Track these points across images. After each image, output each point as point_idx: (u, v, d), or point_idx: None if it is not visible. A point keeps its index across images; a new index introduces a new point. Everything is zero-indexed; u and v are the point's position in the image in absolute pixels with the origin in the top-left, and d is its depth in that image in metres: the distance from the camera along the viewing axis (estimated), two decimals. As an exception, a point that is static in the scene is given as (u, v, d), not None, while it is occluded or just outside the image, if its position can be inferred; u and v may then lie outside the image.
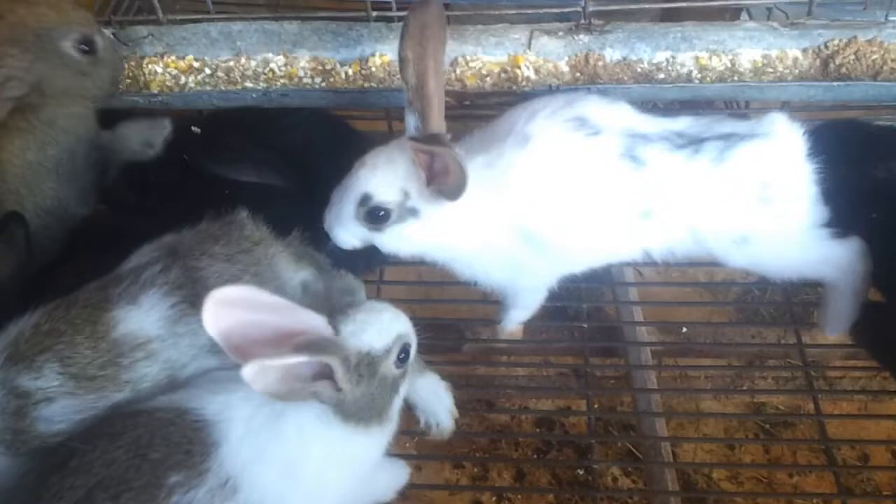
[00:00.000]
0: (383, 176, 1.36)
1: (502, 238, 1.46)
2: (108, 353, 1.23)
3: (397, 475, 1.42)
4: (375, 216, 1.37)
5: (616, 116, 1.46)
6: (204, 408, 1.17)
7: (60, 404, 1.21)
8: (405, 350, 1.20)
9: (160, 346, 1.24)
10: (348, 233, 1.40)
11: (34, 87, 1.49)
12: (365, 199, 1.36)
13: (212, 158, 1.57)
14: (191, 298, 1.24)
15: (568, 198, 1.43)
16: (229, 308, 1.07)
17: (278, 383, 1.05)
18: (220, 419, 1.16)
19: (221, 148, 1.59)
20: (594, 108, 1.46)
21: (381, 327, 1.17)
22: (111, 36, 1.67)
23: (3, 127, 1.49)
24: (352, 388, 1.12)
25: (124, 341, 1.23)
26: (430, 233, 1.41)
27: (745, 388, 2.17)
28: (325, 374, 1.09)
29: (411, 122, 1.36)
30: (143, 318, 1.24)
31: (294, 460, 1.16)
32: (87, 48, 1.54)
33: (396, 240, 1.41)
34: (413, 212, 1.38)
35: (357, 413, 1.15)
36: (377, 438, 1.21)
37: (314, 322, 1.12)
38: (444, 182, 1.31)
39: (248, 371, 1.01)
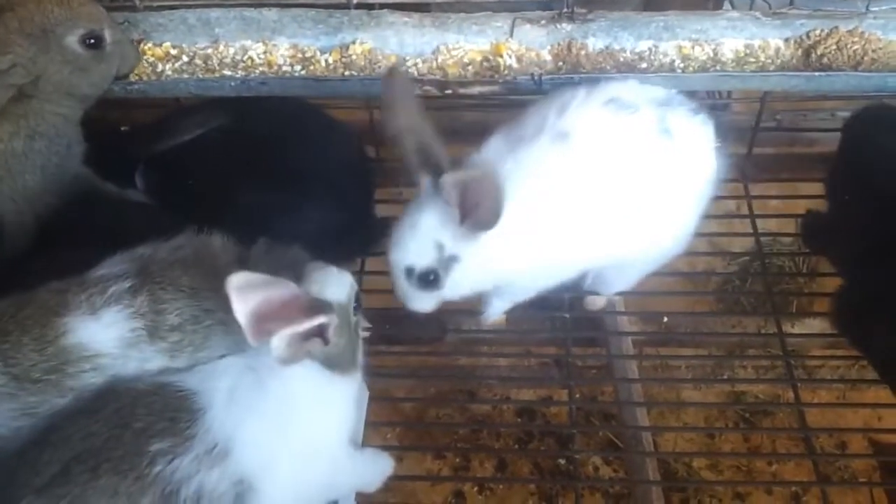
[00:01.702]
0: (412, 243, 1.38)
1: (550, 247, 1.47)
2: (54, 359, 1.19)
3: (382, 465, 1.44)
4: (426, 281, 1.40)
5: (641, 89, 1.51)
6: (184, 380, 1.20)
7: (2, 406, 1.18)
8: (358, 298, 1.30)
9: (109, 363, 1.21)
10: (420, 303, 1.43)
11: (34, 79, 1.51)
12: (410, 272, 1.39)
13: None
14: (149, 329, 1.23)
15: (621, 184, 1.45)
16: (245, 291, 1.13)
17: (288, 349, 1.13)
18: (202, 388, 1.19)
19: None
20: (621, 86, 1.50)
21: (338, 280, 1.26)
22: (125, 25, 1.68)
23: None
24: (336, 341, 1.21)
25: (73, 350, 1.20)
26: (474, 270, 1.43)
27: (725, 377, 2.18)
28: (315, 332, 1.17)
29: (424, 180, 1.38)
30: (99, 331, 1.21)
31: (284, 416, 1.20)
32: (93, 43, 1.54)
33: (456, 287, 1.44)
34: (453, 258, 1.39)
35: (338, 361, 1.24)
36: (353, 383, 1.31)
37: (299, 291, 1.18)
38: (479, 212, 1.32)
39: (278, 341, 1.10)
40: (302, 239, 1.46)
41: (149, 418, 1.14)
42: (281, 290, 1.15)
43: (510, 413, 2.14)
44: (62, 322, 1.20)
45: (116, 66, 1.61)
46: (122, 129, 1.85)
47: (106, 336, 1.21)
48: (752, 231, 2.02)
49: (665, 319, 2.14)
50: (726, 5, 2.03)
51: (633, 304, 1.99)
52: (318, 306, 1.16)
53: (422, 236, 1.39)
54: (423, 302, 1.44)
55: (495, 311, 1.71)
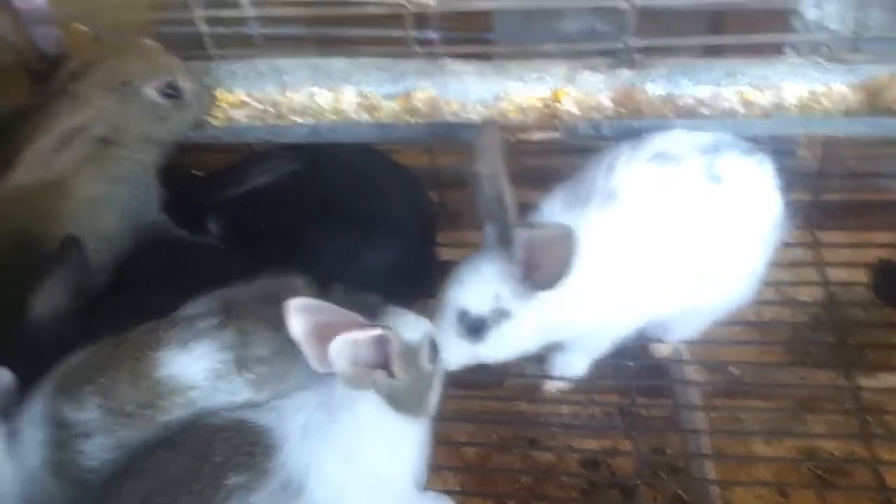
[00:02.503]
0: (473, 287, 1.41)
1: (606, 307, 1.49)
2: (147, 393, 1.25)
3: None
4: (474, 329, 1.41)
5: (687, 138, 1.53)
6: (260, 417, 1.23)
7: (97, 440, 1.24)
8: (434, 347, 1.31)
9: (198, 396, 1.26)
10: (455, 353, 1.43)
11: (115, 129, 1.60)
12: (462, 316, 1.41)
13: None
14: (237, 361, 1.28)
15: (672, 237, 1.46)
16: (303, 314, 1.19)
17: (350, 366, 1.17)
18: (277, 425, 1.21)
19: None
20: (666, 138, 1.53)
21: (412, 323, 1.29)
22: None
23: (81, 156, 1.58)
24: (402, 375, 1.23)
25: (166, 383, 1.25)
26: (523, 330, 1.45)
27: (797, 431, 2.10)
28: (381, 364, 1.21)
29: (492, 230, 1.42)
30: (191, 364, 1.26)
31: (354, 450, 1.23)
32: (170, 92, 1.63)
33: (497, 346, 1.45)
34: (505, 313, 1.41)
35: (404, 401, 1.26)
36: (419, 426, 1.33)
37: (357, 316, 1.21)
38: (542, 272, 1.35)
39: (336, 345, 1.13)
40: (366, 281, 1.49)
41: (227, 452, 1.17)
42: (341, 314, 1.19)
43: (573, 462, 2.09)
44: (156, 356, 1.26)
45: (193, 113, 1.69)
46: (195, 174, 1.92)
47: (197, 368, 1.26)
48: (821, 280, 1.97)
49: (732, 370, 2.09)
50: (789, 51, 2.01)
51: (699, 353, 1.95)
52: (377, 325, 1.19)
53: (483, 283, 1.41)
54: (458, 353, 1.43)
55: (575, 368, 1.71)
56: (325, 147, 1.74)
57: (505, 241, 1.38)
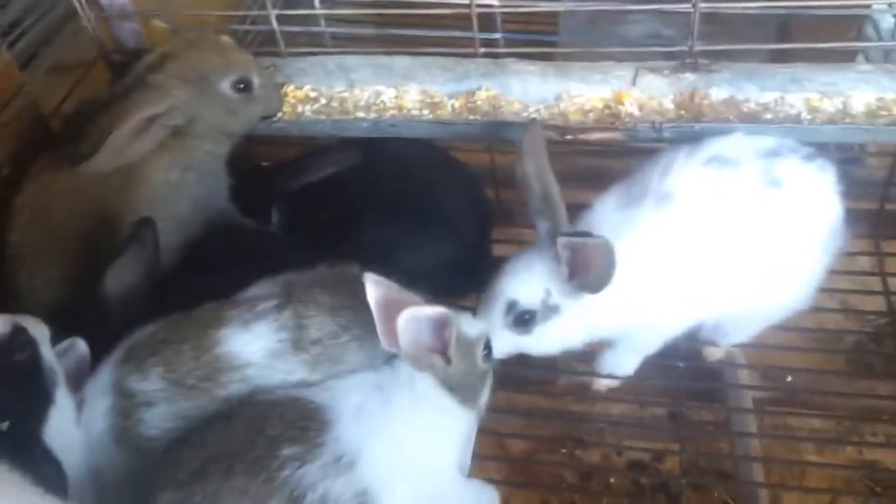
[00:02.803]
0: (525, 280, 1.44)
1: (656, 307, 1.51)
2: (207, 367, 1.31)
3: (488, 496, 1.49)
4: (522, 320, 1.44)
5: (746, 141, 1.53)
6: (315, 395, 1.28)
7: (159, 409, 1.31)
8: (488, 347, 1.35)
9: (255, 373, 1.32)
10: (501, 341, 1.45)
11: (190, 120, 1.68)
12: (511, 306, 1.44)
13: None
14: (293, 341, 1.33)
15: (726, 240, 1.47)
16: (379, 285, 1.25)
17: (412, 344, 1.22)
18: (331, 403, 1.27)
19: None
20: (724, 142, 1.53)
21: (472, 321, 1.35)
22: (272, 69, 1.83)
23: (158, 145, 1.66)
24: (457, 363, 1.28)
25: (225, 359, 1.32)
26: (571, 327, 1.48)
27: (853, 440, 2.06)
28: (439, 349, 1.26)
29: (543, 226, 1.46)
30: (249, 342, 1.32)
31: (406, 434, 1.28)
32: (242, 87, 1.71)
33: (543, 340, 1.48)
34: (554, 309, 1.44)
35: (458, 388, 1.31)
36: (470, 416, 1.37)
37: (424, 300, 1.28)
38: (586, 276, 1.38)
39: (404, 318, 1.19)
40: (420, 274, 1.53)
41: (281, 426, 1.22)
42: (409, 295, 1.25)
43: (620, 463, 2.10)
44: (217, 334, 1.33)
45: (262, 107, 1.76)
46: (263, 165, 1.99)
47: (255, 346, 1.32)
48: (883, 290, 1.94)
49: (789, 379, 2.07)
50: (860, 58, 1.98)
51: (754, 358, 1.94)
52: (441, 308, 1.24)
53: (534, 276, 1.44)
54: (502, 342, 1.45)
55: (624, 367, 1.72)
56: (386, 142, 1.78)
57: (554, 239, 1.41)
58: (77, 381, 1.36)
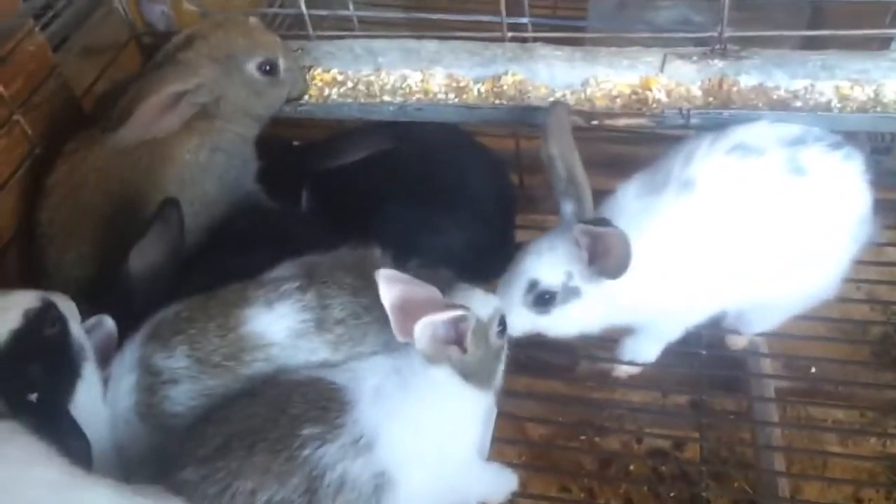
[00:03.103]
0: (548, 260, 1.45)
1: (676, 294, 1.51)
2: (232, 346, 1.34)
3: (507, 479, 1.50)
4: (542, 300, 1.45)
5: (770, 129, 1.52)
6: (336, 376, 1.30)
7: (184, 387, 1.33)
8: (502, 322, 1.35)
9: (279, 353, 1.34)
10: (519, 319, 1.46)
11: (217, 99, 1.69)
12: (532, 285, 1.45)
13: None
14: (317, 322, 1.36)
15: (748, 228, 1.46)
16: (392, 284, 1.26)
17: (429, 343, 1.24)
18: (351, 385, 1.29)
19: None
20: (748, 130, 1.52)
21: (483, 300, 1.34)
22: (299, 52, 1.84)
23: (186, 126, 1.68)
24: (473, 351, 1.29)
25: (250, 338, 1.34)
26: (591, 311, 1.48)
27: (877, 431, 2.04)
28: (454, 340, 1.27)
29: (567, 208, 1.46)
30: (273, 321, 1.35)
31: (423, 417, 1.29)
32: (269, 69, 1.72)
33: (561, 321, 1.49)
34: (575, 292, 1.45)
35: (474, 374, 1.32)
36: (486, 398, 1.38)
37: (439, 294, 1.29)
38: (605, 262, 1.39)
39: (420, 326, 1.20)
40: (444, 256, 1.54)
41: (303, 406, 1.25)
42: (424, 289, 1.26)
43: (640, 450, 2.10)
44: (242, 313, 1.35)
45: (288, 90, 1.77)
46: (295, 143, 1.99)
47: (279, 326, 1.35)
48: (911, 281, 1.92)
49: (813, 370, 2.05)
50: (893, 45, 1.95)
51: (778, 347, 1.92)
52: (457, 306, 1.25)
53: (558, 258, 1.45)
54: (519, 320, 1.46)
55: (646, 354, 1.72)
56: (412, 126, 1.79)
57: (579, 219, 1.41)
58: (104, 358, 1.39)
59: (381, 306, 1.32)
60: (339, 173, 1.86)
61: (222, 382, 1.33)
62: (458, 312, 1.23)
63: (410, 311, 1.23)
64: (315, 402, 1.25)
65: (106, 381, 1.37)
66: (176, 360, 1.33)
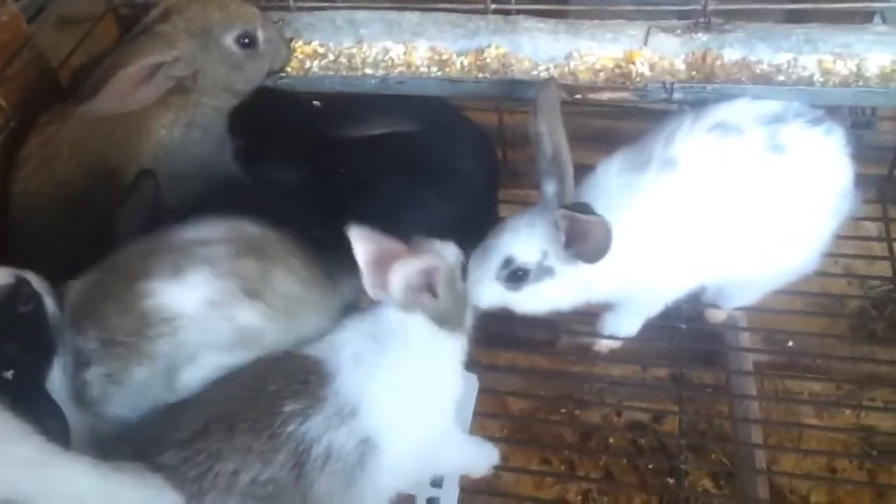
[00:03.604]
0: (525, 238, 1.45)
1: (653, 274, 1.51)
2: (134, 322, 1.27)
3: (488, 452, 1.51)
4: (515, 276, 1.45)
5: (750, 107, 1.52)
6: (312, 350, 1.31)
7: (94, 369, 1.29)
8: (464, 268, 1.43)
9: (186, 324, 1.28)
10: (489, 292, 1.47)
11: (195, 74, 1.66)
12: (508, 262, 1.45)
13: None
14: (249, 293, 1.31)
15: (728, 206, 1.46)
16: (365, 240, 1.28)
17: (404, 291, 1.27)
18: (329, 357, 1.30)
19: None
20: (728, 108, 1.51)
21: (444, 247, 1.41)
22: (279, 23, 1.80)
23: (162, 100, 1.65)
24: (445, 296, 1.33)
25: (153, 312, 1.27)
26: (563, 291, 1.48)
27: (852, 404, 2.07)
28: (426, 287, 1.31)
29: (549, 188, 1.45)
30: (182, 294, 1.28)
31: (402, 374, 1.31)
32: (247, 42, 1.69)
33: (531, 298, 1.48)
34: (548, 271, 1.45)
35: (447, 318, 1.36)
36: (461, 342, 1.43)
37: (410, 246, 1.33)
38: (583, 247, 1.38)
39: (395, 271, 1.24)
40: (427, 229, 1.53)
41: (282, 381, 1.24)
42: (394, 244, 1.29)
43: (620, 423, 2.12)
44: (144, 287, 1.28)
45: (269, 63, 1.73)
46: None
47: (188, 297, 1.28)
48: (890, 256, 1.93)
49: (790, 343, 2.08)
50: (877, 19, 1.94)
51: (757, 322, 1.94)
52: (428, 255, 1.32)
53: (534, 236, 1.44)
54: (490, 294, 1.46)
55: (626, 328, 1.73)
56: (400, 101, 1.76)
57: (559, 200, 1.41)
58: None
59: (318, 287, 1.35)
60: (327, 149, 1.82)
61: (127, 365, 1.27)
62: (432, 260, 1.28)
63: (383, 265, 1.26)
64: (295, 377, 1.25)
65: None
66: (87, 342, 1.28)
